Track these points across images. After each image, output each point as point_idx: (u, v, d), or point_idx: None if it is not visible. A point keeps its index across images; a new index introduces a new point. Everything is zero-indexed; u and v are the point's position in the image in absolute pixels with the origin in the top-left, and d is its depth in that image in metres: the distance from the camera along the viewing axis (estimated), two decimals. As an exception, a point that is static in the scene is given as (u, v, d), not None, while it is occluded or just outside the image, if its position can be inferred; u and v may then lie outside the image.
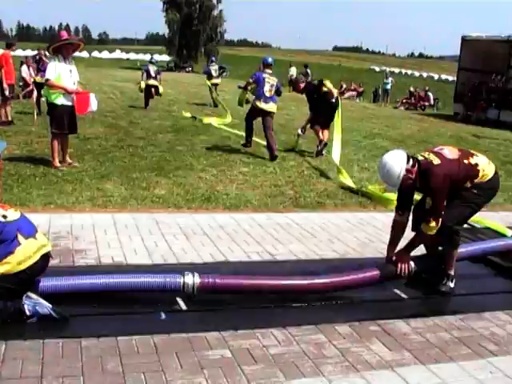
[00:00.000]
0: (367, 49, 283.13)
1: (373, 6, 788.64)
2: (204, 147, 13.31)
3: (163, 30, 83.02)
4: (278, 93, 13.15)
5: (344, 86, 47.58)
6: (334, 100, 13.11)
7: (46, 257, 4.66)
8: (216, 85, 24.92)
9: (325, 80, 13.51)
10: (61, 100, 10.23)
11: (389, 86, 40.09)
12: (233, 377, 3.90)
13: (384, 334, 4.68)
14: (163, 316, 4.75)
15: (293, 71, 44.28)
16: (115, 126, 15.78)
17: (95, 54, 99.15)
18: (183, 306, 4.95)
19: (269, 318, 4.88)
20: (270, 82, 12.89)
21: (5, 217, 4.45)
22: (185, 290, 5.00)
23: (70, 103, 10.33)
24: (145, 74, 21.69)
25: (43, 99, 13.15)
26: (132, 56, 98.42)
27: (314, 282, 5.27)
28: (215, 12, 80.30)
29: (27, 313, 4.41)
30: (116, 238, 6.80)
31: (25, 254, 4.44)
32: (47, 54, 16.69)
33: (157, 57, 78.60)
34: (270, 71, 13.17)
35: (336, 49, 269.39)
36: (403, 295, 5.52)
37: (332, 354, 4.30)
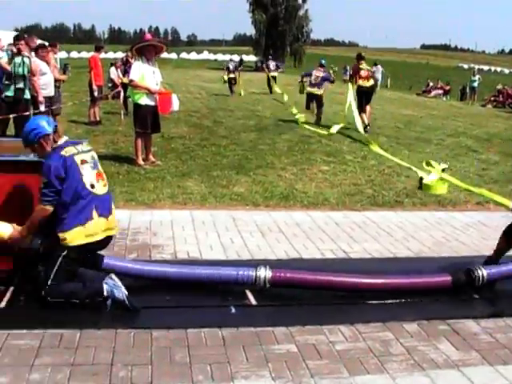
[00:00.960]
0: (456, 46, 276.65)
1: (462, 2, 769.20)
2: (286, 146, 13.37)
3: (250, 30, 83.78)
4: (328, 81, 18.76)
5: (431, 84, 46.84)
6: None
7: (109, 238, 4.93)
8: (274, 77, 30.93)
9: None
10: (144, 100, 10.48)
11: (476, 84, 38.99)
12: (297, 371, 3.92)
13: (453, 334, 4.58)
14: (233, 310, 4.82)
15: (378, 70, 43.69)
16: (199, 126, 16.04)
17: (183, 55, 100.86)
18: (253, 301, 5.01)
19: (337, 314, 4.87)
20: (316, 74, 18.27)
21: (93, 186, 4.71)
22: (256, 284, 5.07)
23: (153, 103, 10.56)
24: (226, 70, 29.71)
25: (130, 99, 13.52)
26: (219, 57, 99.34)
27: (387, 282, 5.24)
28: (301, 12, 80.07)
29: (105, 293, 4.61)
30: (193, 234, 6.92)
31: (93, 230, 4.68)
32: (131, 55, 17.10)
33: (244, 57, 79.53)
34: (321, 69, 18.65)
35: (424, 47, 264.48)
36: (475, 295, 5.40)
37: (398, 351, 4.26)
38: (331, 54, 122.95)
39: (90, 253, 4.86)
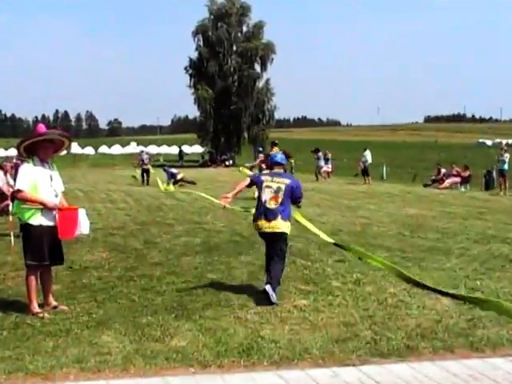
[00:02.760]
0: (473, 116, 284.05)
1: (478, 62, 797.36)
2: (246, 272, 13.13)
3: (193, 112, 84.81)
4: None
5: (443, 170, 47.28)
6: None
7: None
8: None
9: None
10: (37, 219, 10.17)
11: (506, 166, 38.98)
12: None
13: None
14: None
15: (367, 156, 44.83)
16: (124, 249, 15.88)
17: (103, 149, 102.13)
18: None
19: None
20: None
21: None
22: None
23: (51, 223, 10.27)
24: (140, 162, 44.60)
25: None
26: (152, 149, 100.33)
27: None
28: (260, 83, 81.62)
29: None
30: (110, 420, 6.41)
31: None
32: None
33: (186, 148, 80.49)
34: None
35: (429, 120, 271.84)
36: None
37: None
38: (302, 137, 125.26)
39: None
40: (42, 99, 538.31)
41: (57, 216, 10.25)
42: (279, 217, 11.24)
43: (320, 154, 48.54)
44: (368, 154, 44.95)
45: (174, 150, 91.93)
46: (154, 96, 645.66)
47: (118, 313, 10.25)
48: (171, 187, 37.31)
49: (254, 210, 12.00)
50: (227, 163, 73.25)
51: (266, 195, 11.42)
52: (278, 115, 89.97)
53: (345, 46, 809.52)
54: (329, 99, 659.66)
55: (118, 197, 29.46)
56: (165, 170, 42.30)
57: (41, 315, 10.06)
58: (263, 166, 25.58)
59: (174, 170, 42.73)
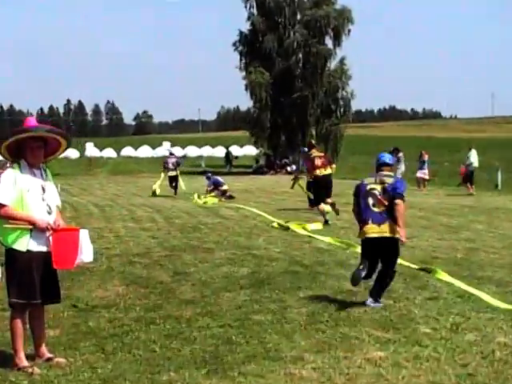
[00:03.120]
0: None
1: None
2: (305, 313, 13.00)
3: (244, 102, 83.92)
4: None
5: None
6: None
7: None
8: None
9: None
10: (25, 243, 10.05)
11: None
12: None
13: None
14: None
15: (472, 158, 43.65)
16: (146, 282, 15.88)
17: (128, 151, 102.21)
18: None
19: None
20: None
21: None
22: None
23: (43, 248, 10.18)
24: (164, 167, 45.32)
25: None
26: (192, 151, 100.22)
27: None
28: (333, 63, 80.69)
29: None
30: None
31: None
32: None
33: (236, 150, 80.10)
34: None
35: None
36: None
37: None
38: (389, 133, 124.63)
39: None
40: (48, 86, 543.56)
41: (51, 239, 10.15)
42: (388, 220, 13.68)
43: (401, 155, 47.78)
44: (473, 156, 43.69)
45: (220, 151, 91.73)
46: (194, 82, 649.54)
47: (131, 367, 10.16)
48: (211, 199, 37.41)
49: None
50: (289, 169, 72.09)
51: (373, 199, 13.88)
52: (356, 105, 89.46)
53: (447, 14, 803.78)
54: (425, 84, 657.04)
55: (144, 213, 29.52)
56: (208, 178, 42.44)
57: (29, 370, 9.95)
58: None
59: (219, 179, 42.32)
